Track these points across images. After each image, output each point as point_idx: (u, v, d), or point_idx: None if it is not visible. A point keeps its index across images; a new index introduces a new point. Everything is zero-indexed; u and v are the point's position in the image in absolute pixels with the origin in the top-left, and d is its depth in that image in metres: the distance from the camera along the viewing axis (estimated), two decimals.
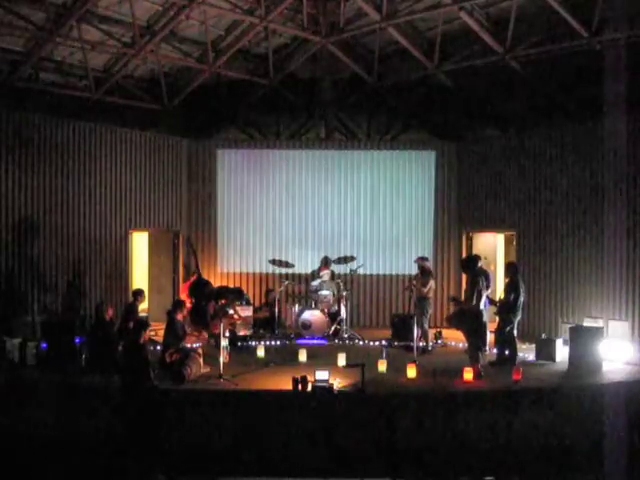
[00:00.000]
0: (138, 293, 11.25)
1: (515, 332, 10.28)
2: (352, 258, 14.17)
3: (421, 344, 10.98)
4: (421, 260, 11.55)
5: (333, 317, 12.67)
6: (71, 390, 8.61)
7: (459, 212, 14.36)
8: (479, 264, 10.09)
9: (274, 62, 14.08)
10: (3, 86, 12.10)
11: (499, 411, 8.35)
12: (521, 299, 10.17)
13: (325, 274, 13.11)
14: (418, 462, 8.12)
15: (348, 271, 13.72)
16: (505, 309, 10.17)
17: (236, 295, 12.37)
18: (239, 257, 14.52)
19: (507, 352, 10.15)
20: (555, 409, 8.46)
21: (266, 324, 12.59)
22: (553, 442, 8.30)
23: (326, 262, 13.81)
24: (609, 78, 10.81)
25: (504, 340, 10.18)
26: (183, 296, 12.51)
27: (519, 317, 10.31)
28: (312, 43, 13.86)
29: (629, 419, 8.57)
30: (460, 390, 8.72)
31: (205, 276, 13.58)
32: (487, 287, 9.88)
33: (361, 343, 12.03)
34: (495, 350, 10.46)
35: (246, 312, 12.17)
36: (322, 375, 8.46)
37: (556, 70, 12.55)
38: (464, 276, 10.93)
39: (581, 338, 9.76)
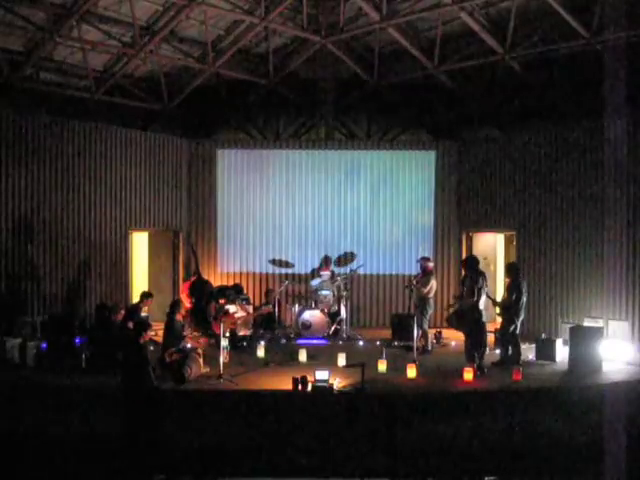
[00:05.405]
0: (145, 296, 11.19)
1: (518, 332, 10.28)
2: (352, 255, 14.16)
3: (421, 344, 10.97)
4: (424, 260, 11.53)
5: (333, 317, 12.67)
6: (71, 390, 8.60)
7: (459, 212, 14.36)
8: (479, 265, 10.14)
9: (274, 62, 14.07)
10: (3, 86, 12.09)
11: (499, 411, 8.36)
12: (523, 299, 10.16)
13: (326, 275, 13.10)
14: (418, 462, 8.12)
15: (348, 271, 13.71)
16: (507, 309, 10.16)
17: (235, 292, 12.35)
18: (239, 257, 14.53)
19: (510, 352, 10.15)
20: (555, 409, 8.47)
21: (266, 324, 12.58)
22: (553, 442, 8.30)
23: (327, 262, 13.81)
24: (609, 78, 10.81)
25: (507, 340, 10.18)
26: (183, 296, 12.51)
27: (522, 317, 10.30)
28: (312, 43, 13.85)
29: (629, 419, 8.57)
30: (460, 390, 8.71)
31: (205, 276, 13.58)
32: (485, 287, 9.90)
33: (361, 343, 12.03)
34: (498, 350, 10.47)
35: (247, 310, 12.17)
36: (322, 375, 8.46)
37: (556, 70, 12.55)
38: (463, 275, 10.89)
39: (581, 338, 9.76)
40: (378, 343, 11.37)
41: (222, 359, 9.14)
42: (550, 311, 12.40)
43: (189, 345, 9.61)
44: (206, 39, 12.84)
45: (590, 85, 11.59)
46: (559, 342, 10.61)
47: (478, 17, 12.19)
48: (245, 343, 11.49)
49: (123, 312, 10.28)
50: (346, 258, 14.23)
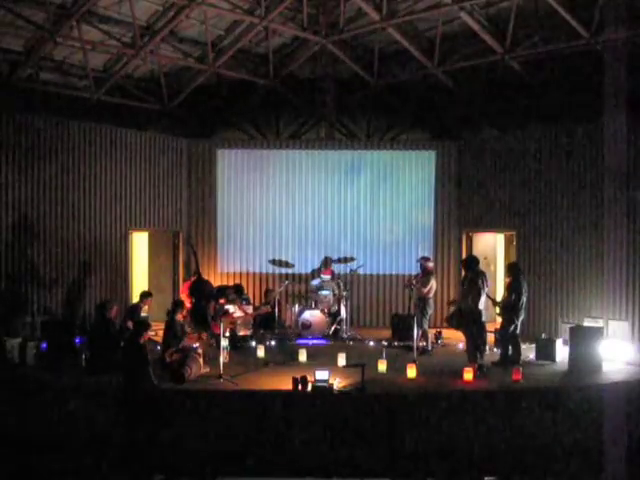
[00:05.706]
0: (145, 296, 11.19)
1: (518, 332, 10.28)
2: (352, 259, 14.17)
3: (421, 344, 10.97)
4: (424, 260, 11.52)
5: (333, 317, 12.67)
6: (71, 390, 8.59)
7: (459, 212, 14.35)
8: (479, 265, 10.14)
9: (274, 62, 14.09)
10: (3, 86, 12.10)
11: (499, 411, 8.36)
12: (523, 299, 10.15)
13: (326, 277, 13.07)
14: (418, 462, 8.12)
15: (348, 271, 13.71)
16: (507, 309, 10.16)
17: (236, 292, 12.35)
18: (239, 257, 14.52)
19: (510, 352, 10.15)
20: (555, 409, 8.46)
21: (266, 324, 12.58)
22: (553, 442, 8.30)
23: (328, 263, 13.79)
24: (609, 78, 10.81)
25: (507, 340, 10.18)
26: (183, 296, 12.49)
27: (522, 317, 10.30)
28: (312, 43, 13.86)
29: (629, 419, 8.57)
30: (460, 390, 8.71)
31: (205, 276, 13.56)
32: (486, 287, 9.90)
33: (361, 343, 12.02)
34: (498, 350, 10.47)
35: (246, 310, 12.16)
36: (322, 375, 8.45)
37: (556, 70, 12.56)
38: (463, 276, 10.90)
39: (581, 338, 9.75)
40: (385, 342, 11.34)
41: (222, 359, 9.14)
42: (550, 311, 12.40)
43: (195, 345, 9.60)
44: (206, 39, 12.86)
45: (590, 85, 11.60)
46: (559, 342, 10.61)
47: (478, 17, 12.20)
48: (246, 343, 11.48)
49: (116, 308, 10.23)
50: (346, 260, 14.22)
